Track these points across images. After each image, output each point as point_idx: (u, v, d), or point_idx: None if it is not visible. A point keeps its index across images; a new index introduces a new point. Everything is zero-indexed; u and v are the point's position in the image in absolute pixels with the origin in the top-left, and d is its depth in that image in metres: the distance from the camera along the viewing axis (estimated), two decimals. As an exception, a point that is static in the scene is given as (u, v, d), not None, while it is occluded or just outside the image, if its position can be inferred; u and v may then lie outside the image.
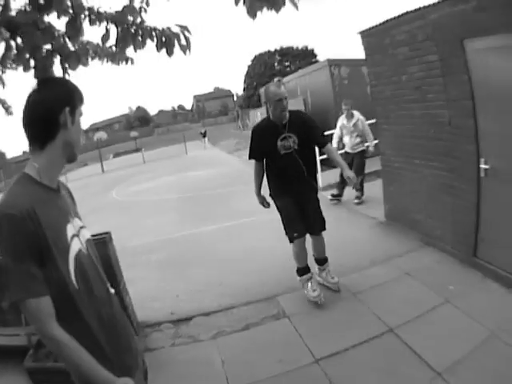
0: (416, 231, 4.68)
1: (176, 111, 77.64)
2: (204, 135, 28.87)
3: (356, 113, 6.54)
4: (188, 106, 79.99)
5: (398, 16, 4.36)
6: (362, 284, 3.70)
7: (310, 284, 3.53)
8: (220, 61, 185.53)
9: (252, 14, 2.20)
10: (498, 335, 2.71)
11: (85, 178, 19.79)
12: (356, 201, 6.54)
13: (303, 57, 39.46)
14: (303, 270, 3.56)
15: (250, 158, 3.59)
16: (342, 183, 6.64)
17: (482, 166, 3.46)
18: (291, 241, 3.47)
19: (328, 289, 3.67)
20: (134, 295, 3.33)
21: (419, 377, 2.48)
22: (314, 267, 3.75)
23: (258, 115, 17.00)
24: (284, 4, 2.19)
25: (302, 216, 3.45)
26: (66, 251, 1.18)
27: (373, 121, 5.75)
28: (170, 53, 2.40)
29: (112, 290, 1.39)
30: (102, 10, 2.27)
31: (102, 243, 2.87)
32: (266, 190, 3.60)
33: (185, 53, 2.42)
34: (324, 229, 3.57)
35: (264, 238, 5.27)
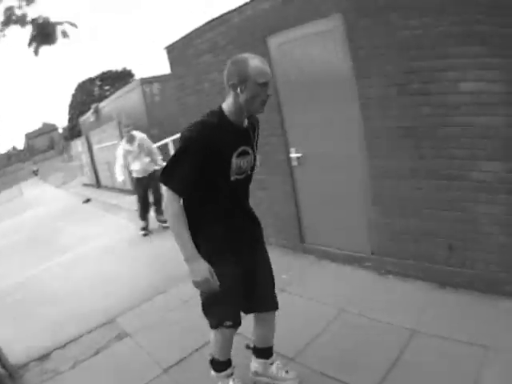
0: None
1: (10, 153, 77.26)
2: (36, 173, 30.04)
3: (136, 133, 6.13)
4: (21, 146, 79.18)
5: (203, 25, 4.40)
6: (188, 293, 3.30)
7: (231, 383, 2.24)
8: (48, 95, 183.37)
9: (36, 52, 2.96)
10: (348, 309, 2.84)
11: None
12: (164, 224, 6.11)
13: (122, 78, 39.06)
14: (224, 365, 2.23)
15: (173, 186, 1.83)
16: (144, 209, 6.26)
17: (294, 155, 3.69)
18: (215, 327, 2.08)
19: None
20: (-2, 341, 3.36)
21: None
22: (237, 357, 2.31)
23: (77, 145, 16.25)
24: (55, 41, 2.97)
25: (248, 288, 2.09)
26: None
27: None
28: None
29: None
30: None
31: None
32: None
33: None
34: (277, 305, 2.23)
35: (98, 263, 5.53)
